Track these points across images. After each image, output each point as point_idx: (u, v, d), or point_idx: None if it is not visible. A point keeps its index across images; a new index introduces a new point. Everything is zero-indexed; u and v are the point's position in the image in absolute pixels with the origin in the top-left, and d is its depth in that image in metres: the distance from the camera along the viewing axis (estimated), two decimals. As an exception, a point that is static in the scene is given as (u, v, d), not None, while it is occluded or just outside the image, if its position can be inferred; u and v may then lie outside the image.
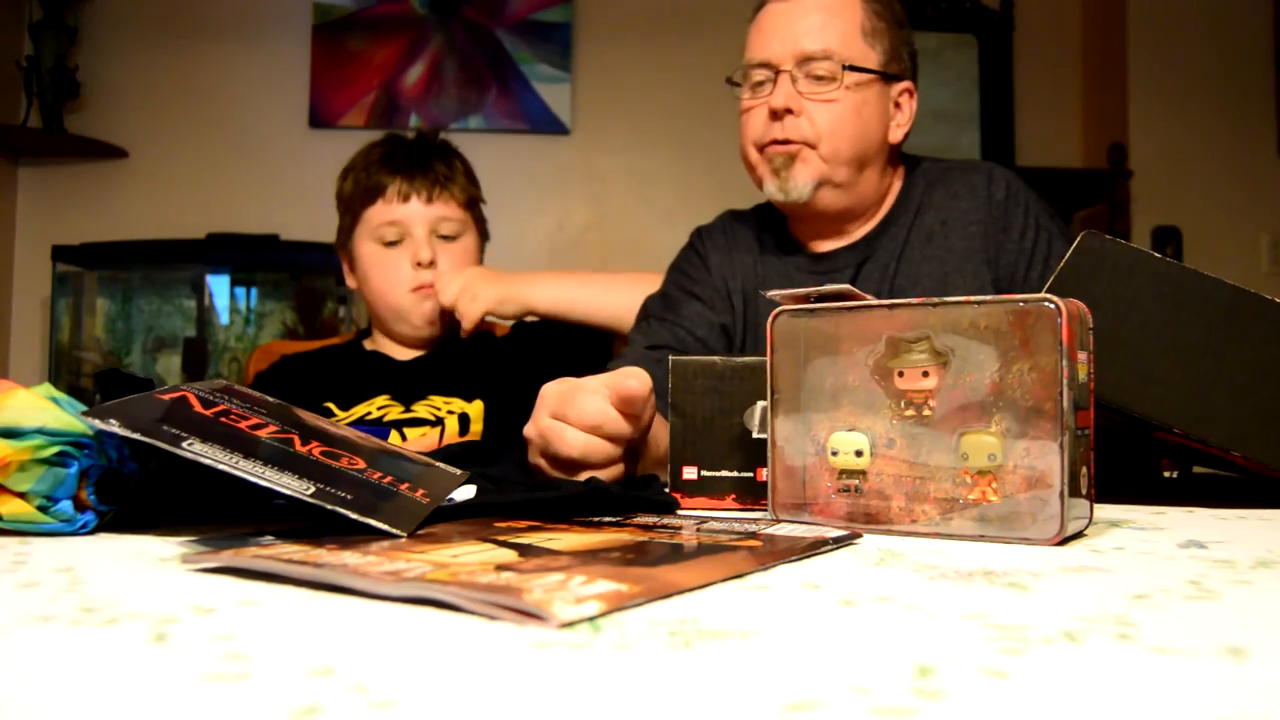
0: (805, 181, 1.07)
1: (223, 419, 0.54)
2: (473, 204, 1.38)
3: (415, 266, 1.31)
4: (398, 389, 1.28)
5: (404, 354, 1.37)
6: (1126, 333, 0.65)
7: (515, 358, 1.34)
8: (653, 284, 1.26)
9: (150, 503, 0.57)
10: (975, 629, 0.31)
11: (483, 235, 1.42)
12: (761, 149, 1.10)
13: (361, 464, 0.55)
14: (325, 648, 0.28)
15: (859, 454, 0.56)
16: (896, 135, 1.13)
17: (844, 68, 1.06)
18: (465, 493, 0.59)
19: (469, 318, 1.28)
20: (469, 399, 1.26)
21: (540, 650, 0.28)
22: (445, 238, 1.33)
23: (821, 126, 1.07)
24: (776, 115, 1.07)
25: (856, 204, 1.12)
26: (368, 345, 1.41)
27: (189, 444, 0.49)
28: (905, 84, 1.13)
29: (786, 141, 1.07)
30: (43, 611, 0.33)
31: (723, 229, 1.23)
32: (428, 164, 1.33)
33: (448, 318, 1.34)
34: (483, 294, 1.29)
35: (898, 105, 1.13)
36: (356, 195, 1.33)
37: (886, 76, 1.10)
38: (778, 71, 1.07)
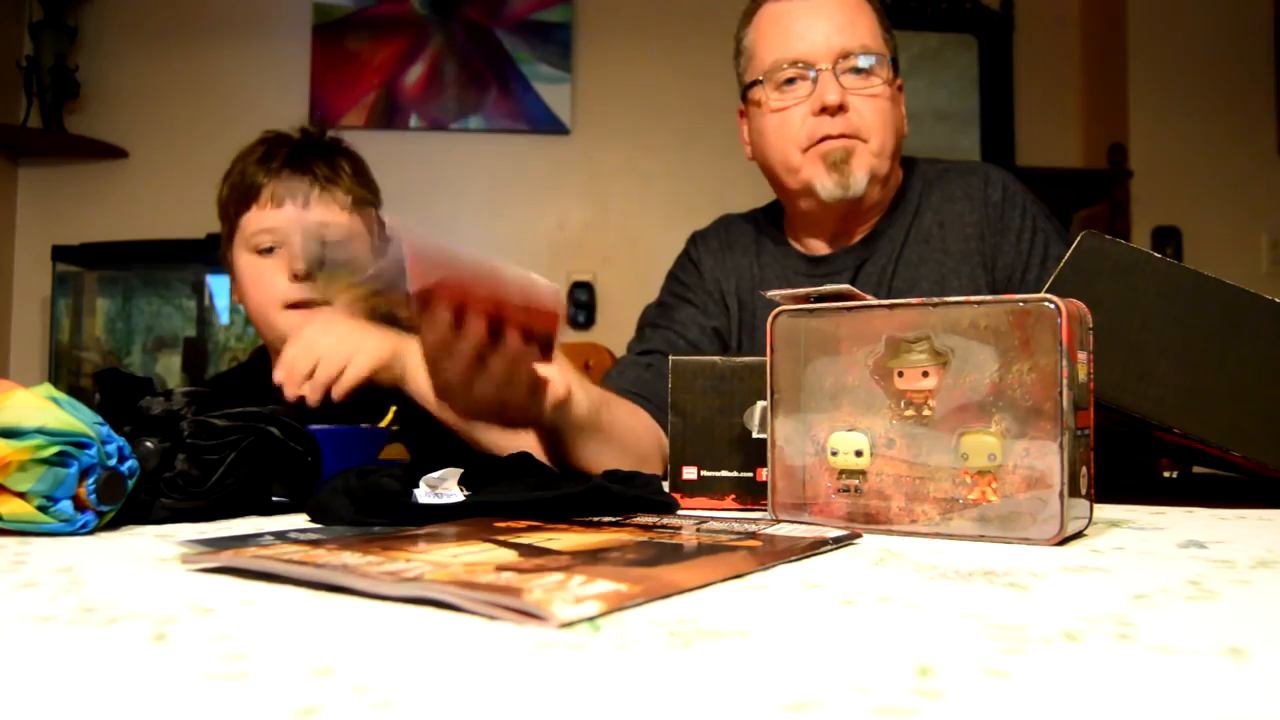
0: (863, 173, 1.07)
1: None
2: (362, 205, 1.21)
3: (292, 278, 1.15)
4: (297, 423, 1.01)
5: None
6: (1126, 333, 0.65)
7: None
8: None
9: (235, 494, 0.59)
10: (975, 629, 0.31)
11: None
12: (808, 149, 1.08)
13: None
14: (325, 648, 0.28)
15: (859, 454, 0.56)
16: (905, 129, 1.14)
17: (889, 60, 1.08)
18: (453, 493, 0.59)
19: (341, 383, 0.93)
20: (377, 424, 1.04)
21: (540, 650, 0.28)
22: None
23: (870, 120, 1.07)
24: (829, 111, 1.06)
25: (886, 196, 1.13)
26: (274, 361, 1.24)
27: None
28: (899, 79, 1.14)
29: (839, 136, 1.06)
30: (43, 611, 0.33)
31: (718, 233, 1.23)
32: (306, 165, 1.18)
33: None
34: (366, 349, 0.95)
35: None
36: (232, 200, 1.20)
37: (897, 71, 1.11)
38: (816, 69, 1.06)
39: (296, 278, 1.15)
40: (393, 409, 1.00)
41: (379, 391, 0.94)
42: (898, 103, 1.11)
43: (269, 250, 1.17)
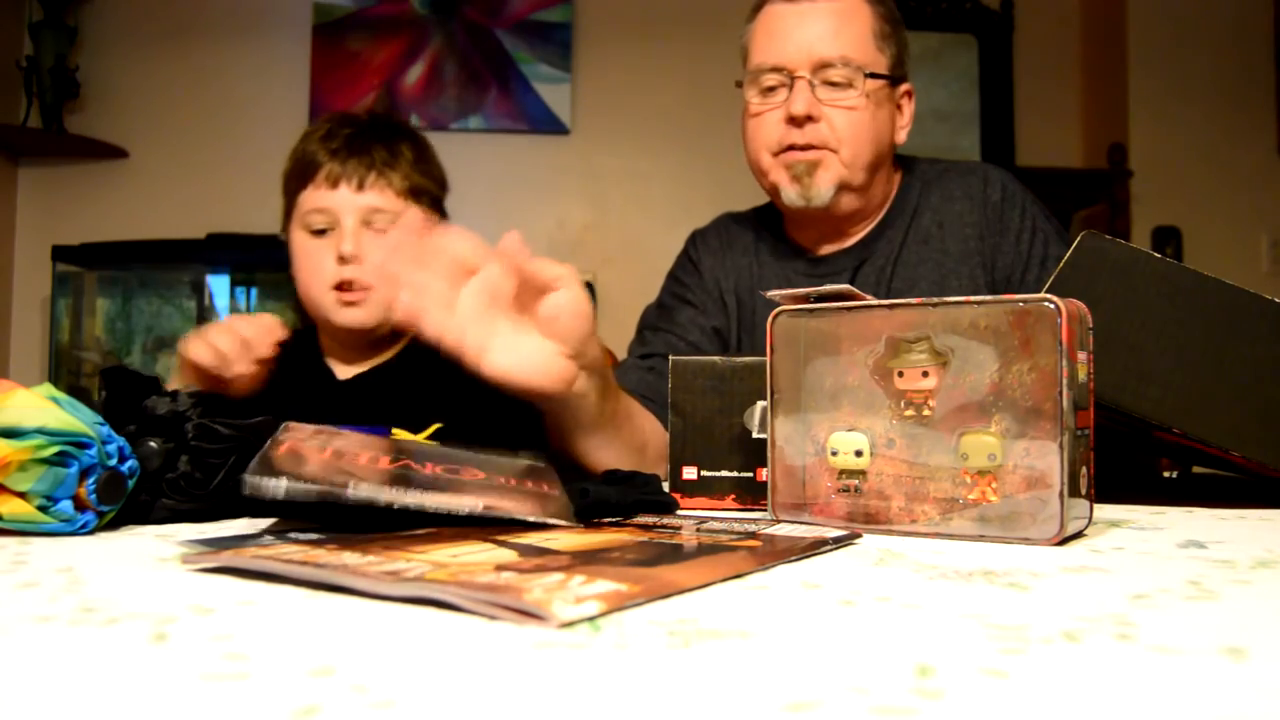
0: (827, 186, 1.07)
1: (344, 459, 0.55)
2: (418, 194, 1.20)
3: (338, 261, 1.15)
4: (334, 415, 0.93)
5: (344, 369, 1.23)
6: (1126, 333, 0.65)
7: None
8: None
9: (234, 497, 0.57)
10: (975, 629, 0.31)
11: None
12: (776, 154, 1.08)
13: (481, 474, 0.57)
14: (325, 648, 0.28)
15: (859, 454, 0.56)
16: (901, 137, 1.13)
17: (865, 75, 1.06)
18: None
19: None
20: (417, 430, 0.98)
21: (540, 650, 0.28)
22: (381, 231, 1.17)
23: (842, 133, 1.06)
24: (796, 122, 1.06)
25: (867, 205, 1.12)
26: (322, 341, 1.27)
27: (354, 488, 0.50)
28: (907, 85, 1.13)
29: (807, 147, 1.07)
30: (43, 611, 0.33)
31: (718, 231, 1.23)
32: (366, 147, 1.18)
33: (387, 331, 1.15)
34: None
35: (899, 107, 1.13)
36: (292, 176, 1.21)
37: (894, 80, 1.10)
38: (793, 77, 1.06)
39: (344, 260, 1.15)
40: (435, 425, 1.00)
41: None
42: (882, 111, 1.09)
43: (321, 232, 1.17)
